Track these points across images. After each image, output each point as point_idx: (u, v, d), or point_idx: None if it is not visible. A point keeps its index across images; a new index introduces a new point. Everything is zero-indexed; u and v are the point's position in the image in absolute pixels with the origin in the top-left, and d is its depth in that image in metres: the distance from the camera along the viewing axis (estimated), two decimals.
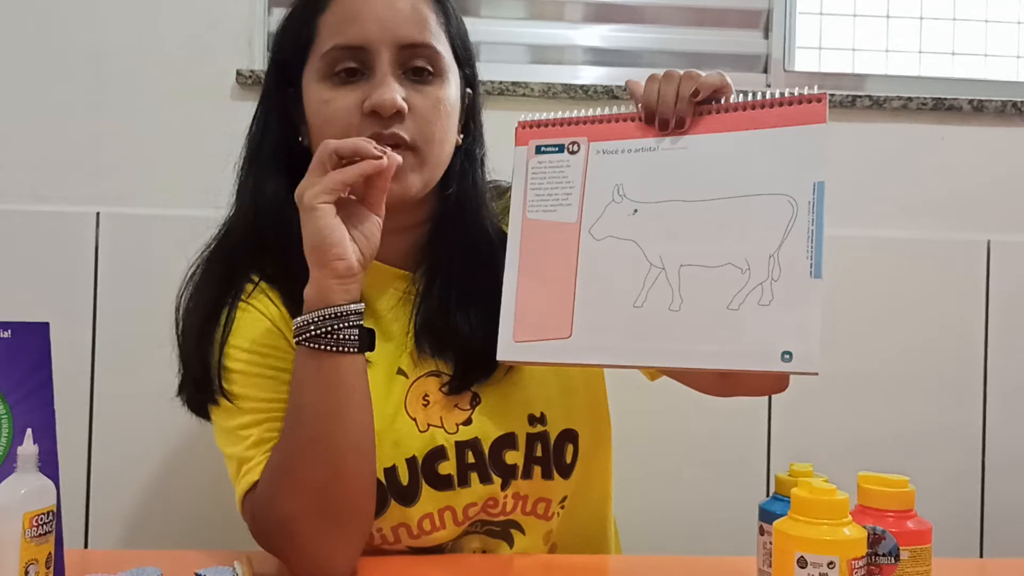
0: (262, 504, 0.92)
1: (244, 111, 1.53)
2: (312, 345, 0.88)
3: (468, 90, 1.04)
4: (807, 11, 1.70)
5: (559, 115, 0.92)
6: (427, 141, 0.96)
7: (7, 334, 0.78)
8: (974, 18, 1.74)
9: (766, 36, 1.69)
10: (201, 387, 0.98)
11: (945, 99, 1.62)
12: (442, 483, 0.98)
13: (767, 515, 0.85)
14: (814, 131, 0.82)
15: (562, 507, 1.04)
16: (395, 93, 0.93)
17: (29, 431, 0.76)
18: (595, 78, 1.65)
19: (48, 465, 0.77)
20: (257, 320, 0.97)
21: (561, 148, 0.91)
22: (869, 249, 1.59)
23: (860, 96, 1.61)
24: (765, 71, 1.68)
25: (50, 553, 0.75)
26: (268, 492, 0.91)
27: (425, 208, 1.02)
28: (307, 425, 0.89)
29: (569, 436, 1.03)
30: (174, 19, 1.54)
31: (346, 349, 0.89)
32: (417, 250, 1.03)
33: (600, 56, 1.68)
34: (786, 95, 0.83)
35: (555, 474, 1.01)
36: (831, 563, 0.70)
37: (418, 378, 1.00)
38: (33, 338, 0.79)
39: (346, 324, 0.88)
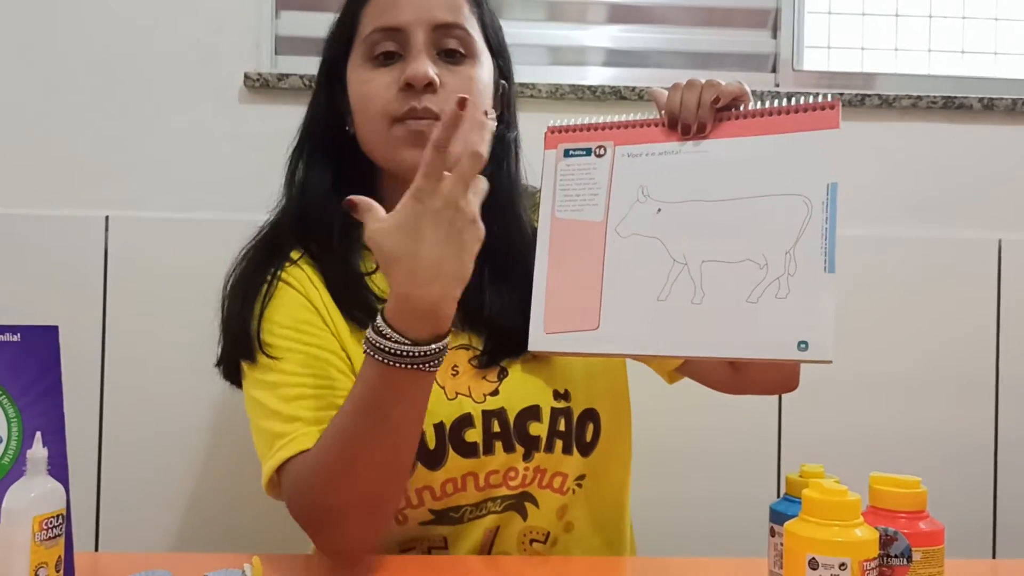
0: (308, 490, 0.92)
1: (252, 114, 1.55)
2: (422, 367, 0.86)
3: (502, 81, 1.10)
4: (815, 10, 1.69)
5: (586, 120, 0.97)
6: None
7: (16, 338, 0.79)
8: (984, 16, 1.73)
9: (774, 35, 1.68)
10: (239, 343, 1.01)
11: (955, 97, 1.61)
12: (468, 450, 1.01)
13: (778, 516, 0.85)
14: (828, 136, 0.86)
15: (579, 485, 1.07)
16: (427, 67, 1.00)
17: (39, 434, 0.76)
18: (603, 79, 1.65)
19: (58, 468, 0.78)
20: (295, 297, 1.02)
21: (588, 151, 0.95)
22: (880, 248, 1.59)
23: (869, 95, 1.60)
24: (773, 70, 1.67)
25: (60, 556, 0.76)
26: (319, 483, 0.91)
27: None
28: (389, 437, 0.89)
29: (591, 415, 1.06)
30: (181, 22, 1.54)
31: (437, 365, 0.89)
32: None
33: (608, 57, 1.68)
34: (802, 102, 0.87)
35: (575, 450, 1.05)
36: (843, 564, 0.70)
37: (449, 349, 1.02)
38: (42, 342, 0.80)
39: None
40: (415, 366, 0.85)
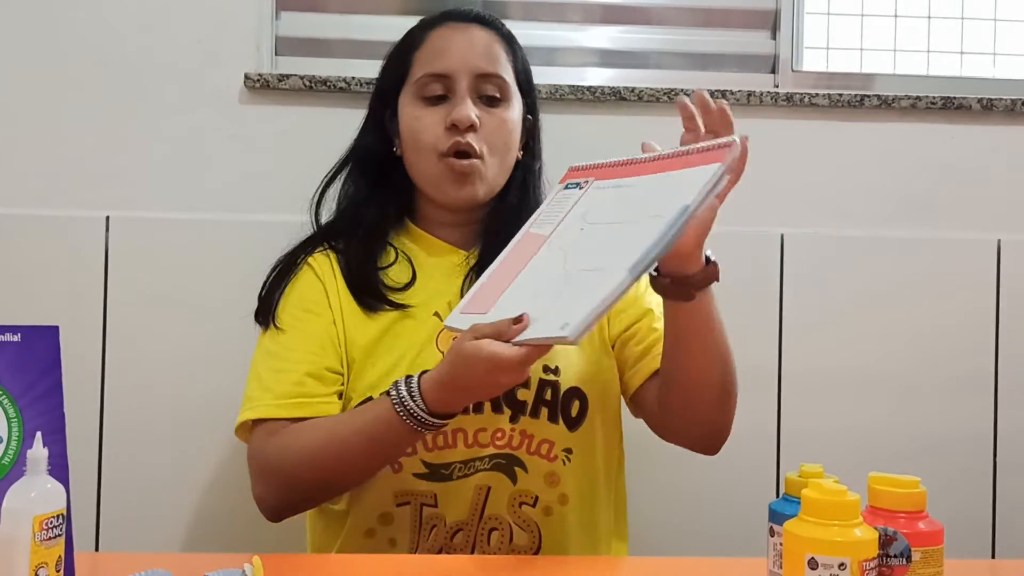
0: (278, 456, 1.10)
1: (252, 114, 1.55)
2: (420, 429, 1.01)
3: (529, 116, 1.27)
4: (815, 11, 1.70)
5: (602, 162, 1.09)
6: (491, 152, 1.20)
7: (17, 338, 0.79)
8: (983, 17, 1.73)
9: (774, 36, 1.68)
10: (262, 312, 1.20)
11: (954, 98, 1.61)
12: None
13: (777, 516, 0.85)
14: (706, 169, 0.95)
15: (568, 458, 1.15)
16: (471, 111, 1.18)
17: (39, 434, 0.76)
18: (603, 80, 1.65)
19: (58, 468, 0.78)
20: (312, 280, 1.20)
21: (579, 185, 1.09)
22: (879, 249, 1.58)
23: (869, 96, 1.60)
24: (773, 71, 1.67)
25: (60, 556, 0.76)
26: (293, 457, 1.09)
27: (485, 207, 1.24)
28: (368, 457, 1.07)
29: (577, 393, 1.17)
30: (182, 23, 1.54)
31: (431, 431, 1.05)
32: (472, 236, 1.25)
33: (607, 58, 1.68)
34: (708, 145, 0.98)
35: (561, 421, 1.15)
36: (842, 564, 0.70)
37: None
38: (43, 342, 0.80)
39: None
40: (416, 427, 1.00)
